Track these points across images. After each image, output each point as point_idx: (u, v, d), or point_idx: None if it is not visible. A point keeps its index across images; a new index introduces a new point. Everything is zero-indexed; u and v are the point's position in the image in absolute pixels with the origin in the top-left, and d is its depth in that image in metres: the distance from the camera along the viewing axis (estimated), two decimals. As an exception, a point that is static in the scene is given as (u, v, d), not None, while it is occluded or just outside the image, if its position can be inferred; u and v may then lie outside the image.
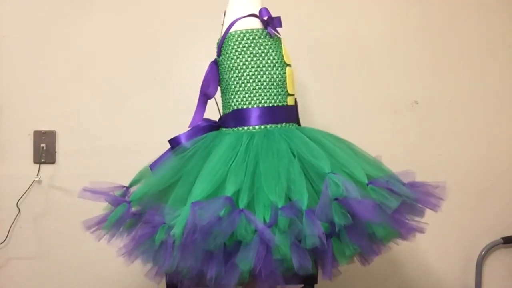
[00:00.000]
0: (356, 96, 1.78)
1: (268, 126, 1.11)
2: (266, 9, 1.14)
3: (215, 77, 1.20)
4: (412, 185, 1.05)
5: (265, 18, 1.13)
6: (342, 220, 0.90)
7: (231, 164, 1.00)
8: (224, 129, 1.17)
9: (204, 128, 1.18)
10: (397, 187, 0.99)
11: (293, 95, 1.18)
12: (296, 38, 1.33)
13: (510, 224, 1.81)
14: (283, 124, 1.13)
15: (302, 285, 1.28)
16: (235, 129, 1.13)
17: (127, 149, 1.68)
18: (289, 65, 1.17)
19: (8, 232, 1.64)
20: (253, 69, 1.12)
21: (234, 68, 1.14)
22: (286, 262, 0.91)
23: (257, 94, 1.12)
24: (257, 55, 1.12)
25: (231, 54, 1.15)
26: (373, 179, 0.99)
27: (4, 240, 1.63)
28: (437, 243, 1.77)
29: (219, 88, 1.22)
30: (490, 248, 1.78)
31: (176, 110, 1.71)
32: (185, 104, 1.71)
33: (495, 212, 1.81)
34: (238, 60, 1.14)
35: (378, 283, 1.74)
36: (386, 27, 1.81)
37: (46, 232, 1.66)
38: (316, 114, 1.73)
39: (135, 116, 1.70)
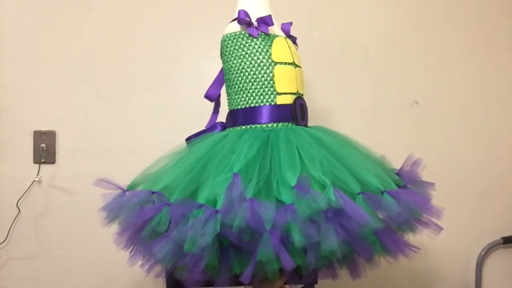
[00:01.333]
0: (356, 96, 1.78)
1: (253, 126, 1.11)
2: (243, 11, 1.14)
3: (218, 80, 1.23)
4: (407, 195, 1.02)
5: (244, 19, 1.13)
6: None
7: (185, 162, 1.06)
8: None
9: (214, 128, 1.22)
10: (389, 204, 0.95)
11: (287, 93, 1.14)
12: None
13: (510, 224, 1.81)
14: (272, 124, 1.11)
15: (302, 286, 1.28)
16: (229, 129, 1.16)
17: (127, 149, 1.68)
18: (282, 63, 1.14)
19: (8, 232, 1.64)
20: (238, 71, 1.14)
21: (226, 71, 1.18)
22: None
23: (244, 95, 1.13)
24: (241, 56, 1.13)
25: (223, 58, 1.19)
26: (366, 190, 0.96)
27: (4, 240, 1.63)
28: (437, 243, 1.76)
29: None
30: (490, 248, 1.78)
31: (176, 110, 1.71)
32: (185, 104, 1.71)
33: (495, 212, 1.81)
34: (227, 64, 1.17)
35: (378, 283, 1.74)
36: (386, 27, 1.81)
37: (46, 232, 1.66)
38: (316, 114, 1.72)
39: (135, 116, 1.70)
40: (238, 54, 1.14)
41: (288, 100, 1.14)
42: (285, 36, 1.23)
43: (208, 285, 1.05)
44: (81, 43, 1.69)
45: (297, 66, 1.19)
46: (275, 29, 1.20)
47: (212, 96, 1.23)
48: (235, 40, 1.14)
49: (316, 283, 1.30)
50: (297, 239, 0.86)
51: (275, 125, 1.11)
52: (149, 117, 1.70)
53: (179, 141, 1.22)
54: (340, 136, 1.18)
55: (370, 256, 1.02)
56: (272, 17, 1.18)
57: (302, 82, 1.21)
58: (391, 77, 1.80)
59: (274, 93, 1.12)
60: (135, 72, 1.71)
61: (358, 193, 0.94)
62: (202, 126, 1.68)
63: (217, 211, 0.88)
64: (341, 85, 1.78)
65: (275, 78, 1.12)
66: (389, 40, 1.80)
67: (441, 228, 1.08)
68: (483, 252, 1.77)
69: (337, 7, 1.80)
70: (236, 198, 0.88)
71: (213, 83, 1.23)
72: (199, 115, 1.70)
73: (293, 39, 1.28)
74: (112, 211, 1.04)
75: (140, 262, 1.07)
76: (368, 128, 1.77)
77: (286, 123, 1.12)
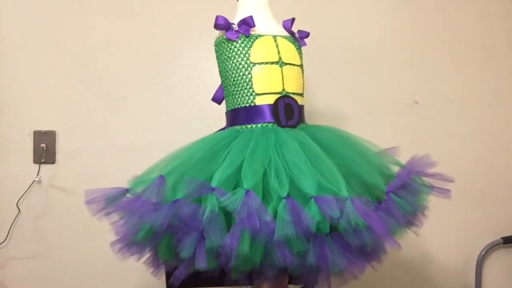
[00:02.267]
0: (356, 96, 1.78)
1: (234, 127, 1.14)
2: (221, 16, 1.14)
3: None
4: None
5: (219, 25, 1.14)
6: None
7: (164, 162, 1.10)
8: None
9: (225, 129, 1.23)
10: (310, 210, 0.89)
11: (268, 93, 1.12)
12: (296, 38, 1.33)
13: (510, 224, 1.81)
14: (251, 125, 1.11)
15: (302, 286, 1.28)
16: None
17: (127, 149, 1.68)
18: (262, 63, 1.13)
19: (8, 232, 1.64)
20: (224, 74, 1.17)
21: (219, 75, 1.21)
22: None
23: (230, 98, 1.16)
24: (224, 60, 1.15)
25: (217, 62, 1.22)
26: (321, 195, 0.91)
27: (4, 240, 1.63)
28: (437, 243, 1.77)
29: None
30: (490, 248, 1.78)
31: (176, 110, 1.71)
32: (184, 104, 1.71)
33: (495, 212, 1.81)
34: (218, 68, 1.20)
35: (378, 283, 1.74)
36: (386, 27, 1.81)
37: (46, 232, 1.66)
38: (316, 114, 1.73)
39: (135, 116, 1.70)
40: (222, 58, 1.16)
41: (268, 100, 1.12)
42: (287, 34, 1.23)
43: (203, 285, 1.06)
44: (81, 43, 1.69)
45: (287, 64, 1.16)
46: (262, 29, 1.18)
47: (218, 99, 1.26)
48: (219, 45, 1.17)
49: (317, 283, 1.29)
50: (207, 240, 0.89)
51: (254, 126, 1.11)
52: (149, 117, 1.70)
53: (179, 141, 1.22)
54: (324, 135, 1.14)
55: (294, 266, 0.93)
56: (272, 17, 1.17)
57: (295, 80, 1.18)
58: (391, 77, 1.80)
59: (254, 94, 1.12)
60: (135, 72, 1.71)
61: (283, 198, 0.91)
62: (201, 126, 1.69)
63: (153, 209, 0.94)
64: (341, 85, 1.78)
65: (253, 79, 1.12)
66: (389, 40, 1.80)
67: (399, 245, 1.00)
68: (483, 252, 1.77)
69: (337, 7, 1.80)
70: (161, 199, 0.94)
71: (218, 87, 1.25)
72: (199, 115, 1.72)
73: (305, 34, 1.27)
74: (100, 202, 1.05)
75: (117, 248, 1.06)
76: (368, 128, 1.77)
77: (265, 124, 1.11)
